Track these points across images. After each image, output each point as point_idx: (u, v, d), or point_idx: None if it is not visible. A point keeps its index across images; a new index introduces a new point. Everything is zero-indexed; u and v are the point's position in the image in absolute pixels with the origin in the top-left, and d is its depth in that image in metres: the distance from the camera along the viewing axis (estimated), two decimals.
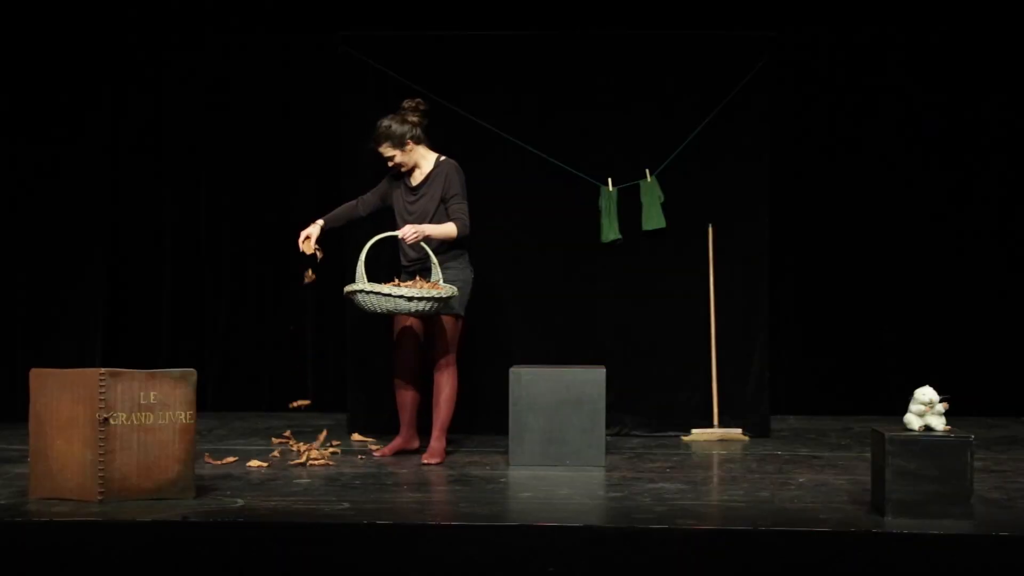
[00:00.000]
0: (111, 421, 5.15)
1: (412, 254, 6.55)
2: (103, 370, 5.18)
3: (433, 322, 6.52)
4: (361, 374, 7.54)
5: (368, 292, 6.19)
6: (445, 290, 6.28)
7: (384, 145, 6.52)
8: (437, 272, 6.40)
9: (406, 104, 6.60)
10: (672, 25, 8.10)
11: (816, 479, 5.94)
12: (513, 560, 4.71)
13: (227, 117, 8.53)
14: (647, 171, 7.49)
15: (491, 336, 7.49)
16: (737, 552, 4.68)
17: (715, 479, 6.10)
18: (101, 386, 5.14)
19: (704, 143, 7.48)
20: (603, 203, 7.49)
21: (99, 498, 5.13)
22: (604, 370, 6.49)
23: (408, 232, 6.37)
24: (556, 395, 6.41)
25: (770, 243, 7.59)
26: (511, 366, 6.53)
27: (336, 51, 7.59)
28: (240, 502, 5.25)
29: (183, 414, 5.29)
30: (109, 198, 8.41)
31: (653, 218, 7.49)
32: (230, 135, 8.53)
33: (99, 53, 8.30)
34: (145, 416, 5.21)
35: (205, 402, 7.98)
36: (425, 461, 6.41)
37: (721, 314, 7.48)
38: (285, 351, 8.60)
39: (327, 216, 6.75)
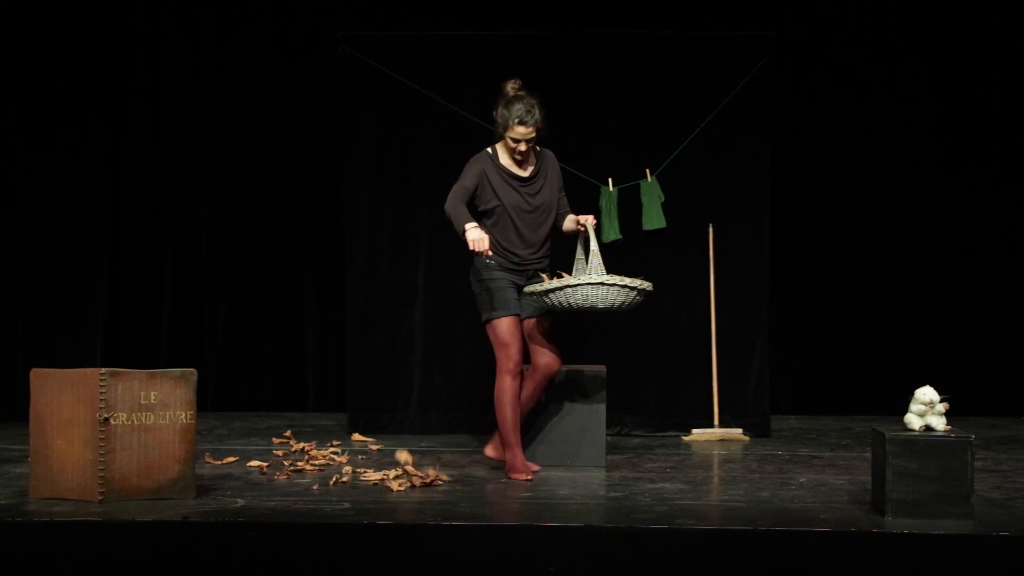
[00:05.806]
0: (111, 421, 5.15)
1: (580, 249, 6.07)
2: (103, 370, 5.19)
3: (549, 325, 6.16)
4: (361, 374, 7.53)
5: (609, 284, 5.73)
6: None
7: (535, 127, 5.94)
8: (601, 266, 5.91)
9: (513, 85, 6.09)
10: (672, 25, 8.09)
11: (816, 479, 5.94)
12: (513, 560, 4.71)
13: (227, 117, 8.52)
14: (647, 171, 7.49)
15: None
16: (737, 552, 4.69)
17: (715, 479, 6.10)
18: (101, 386, 5.14)
19: (704, 143, 7.47)
20: (603, 203, 7.48)
21: (99, 498, 5.14)
22: (604, 370, 6.49)
23: (592, 224, 5.99)
24: (556, 395, 6.41)
25: (770, 243, 7.60)
26: None
27: (336, 51, 7.59)
28: (240, 502, 5.25)
29: (183, 414, 5.29)
30: (109, 198, 8.39)
31: (653, 218, 7.48)
32: (230, 135, 8.52)
33: (99, 53, 8.29)
34: (145, 416, 5.21)
35: (205, 402, 7.97)
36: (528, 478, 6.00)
37: (721, 314, 7.48)
38: (285, 351, 8.59)
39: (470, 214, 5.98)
